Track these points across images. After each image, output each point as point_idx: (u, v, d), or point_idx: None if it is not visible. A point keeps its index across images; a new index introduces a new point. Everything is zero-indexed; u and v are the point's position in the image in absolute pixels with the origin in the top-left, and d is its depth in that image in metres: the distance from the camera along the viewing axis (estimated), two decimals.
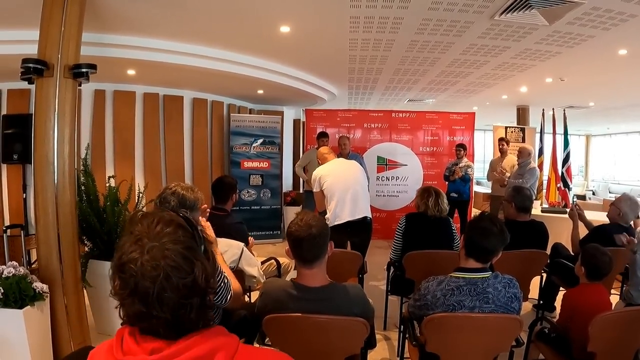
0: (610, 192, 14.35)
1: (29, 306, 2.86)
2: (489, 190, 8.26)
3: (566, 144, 8.35)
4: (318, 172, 4.25)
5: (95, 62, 3.15)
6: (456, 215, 7.26)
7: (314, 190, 4.31)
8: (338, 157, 4.69)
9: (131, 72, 5.65)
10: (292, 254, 2.01)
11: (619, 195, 4.12)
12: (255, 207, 7.61)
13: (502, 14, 4.12)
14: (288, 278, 2.53)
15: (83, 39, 3.31)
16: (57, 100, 3.07)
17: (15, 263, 2.98)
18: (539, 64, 6.01)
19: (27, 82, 3.09)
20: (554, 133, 8.49)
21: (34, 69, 2.94)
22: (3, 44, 4.31)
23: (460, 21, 4.40)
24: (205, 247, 1.01)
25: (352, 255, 3.56)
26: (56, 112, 3.07)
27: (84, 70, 3.09)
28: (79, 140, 6.01)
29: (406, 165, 7.98)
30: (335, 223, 4.00)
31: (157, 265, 0.91)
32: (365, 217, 4.14)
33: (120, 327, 1.00)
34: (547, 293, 4.16)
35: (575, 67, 6.23)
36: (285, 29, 4.61)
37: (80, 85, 3.26)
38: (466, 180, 7.15)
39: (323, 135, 6.46)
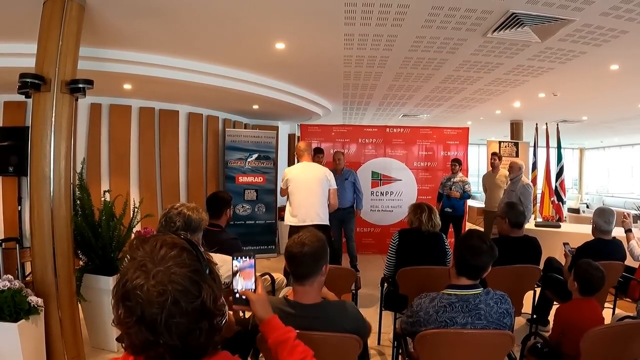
0: (603, 205, 14.44)
1: (23, 320, 2.87)
2: (482, 205, 8.29)
3: (559, 158, 8.43)
4: (287, 172, 4.74)
5: (91, 76, 3.18)
6: (450, 230, 7.31)
7: (281, 186, 4.79)
8: (332, 171, 5.02)
9: (127, 86, 5.68)
10: (289, 269, 2.04)
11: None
12: (250, 222, 7.60)
13: (494, 31, 4.20)
14: (282, 294, 2.55)
15: (80, 53, 3.35)
16: (53, 115, 3.10)
17: (10, 277, 2.99)
18: (531, 79, 6.10)
19: (24, 96, 3.12)
20: (548, 147, 8.58)
21: (31, 83, 2.98)
22: (1, 57, 4.33)
23: (454, 38, 4.48)
24: (210, 269, 0.99)
25: (346, 271, 3.56)
26: (53, 127, 3.11)
27: (80, 85, 3.13)
28: (75, 154, 6.02)
29: (400, 180, 8.00)
30: (288, 223, 4.58)
31: (164, 290, 0.88)
32: (314, 225, 4.31)
33: (124, 355, 0.98)
34: (541, 307, 4.16)
35: (568, 83, 6.32)
36: (280, 45, 4.66)
37: (77, 100, 3.29)
38: (465, 198, 7.18)
39: (318, 151, 6.49)
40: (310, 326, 1.92)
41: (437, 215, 3.80)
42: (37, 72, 3.06)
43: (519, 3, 3.60)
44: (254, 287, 1.46)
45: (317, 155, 6.40)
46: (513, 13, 3.80)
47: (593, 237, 3.93)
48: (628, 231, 4.09)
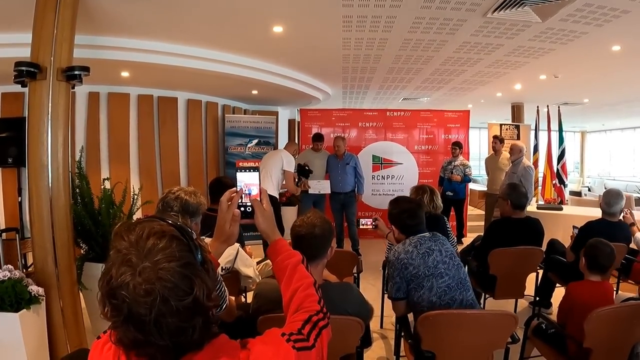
0: (605, 188, 14.39)
1: (25, 309, 2.86)
2: (484, 188, 8.28)
3: (561, 140, 8.37)
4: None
5: (89, 64, 3.14)
6: (452, 213, 7.32)
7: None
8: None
9: (125, 74, 5.64)
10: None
11: None
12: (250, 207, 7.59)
13: (495, 11, 4.13)
14: None
15: (76, 41, 3.30)
16: (50, 103, 3.05)
17: (10, 267, 2.98)
18: (532, 61, 6.03)
19: (20, 86, 3.07)
20: (549, 130, 8.52)
21: (27, 72, 2.92)
22: None
23: (453, 19, 4.41)
24: (203, 258, 0.91)
25: (348, 254, 3.57)
26: (49, 115, 3.05)
27: (77, 72, 3.08)
28: (74, 142, 6.00)
29: (401, 164, 7.98)
30: None
31: (152, 289, 0.81)
32: None
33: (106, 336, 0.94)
34: (544, 289, 4.16)
35: (569, 64, 6.25)
36: (278, 29, 4.60)
37: (73, 87, 3.25)
38: (466, 181, 7.18)
39: (318, 138, 6.56)
40: None
41: (439, 197, 3.80)
42: (33, 60, 3.00)
43: None
44: (259, 199, 1.38)
45: (315, 142, 6.48)
46: None
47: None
48: (631, 225, 4.04)
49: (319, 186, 6.40)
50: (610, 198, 3.79)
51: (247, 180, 1.40)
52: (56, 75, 3.06)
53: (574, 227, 4.04)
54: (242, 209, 1.38)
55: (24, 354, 2.84)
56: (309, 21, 4.49)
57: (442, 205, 3.80)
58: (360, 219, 3.74)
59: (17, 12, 3.63)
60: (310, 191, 6.33)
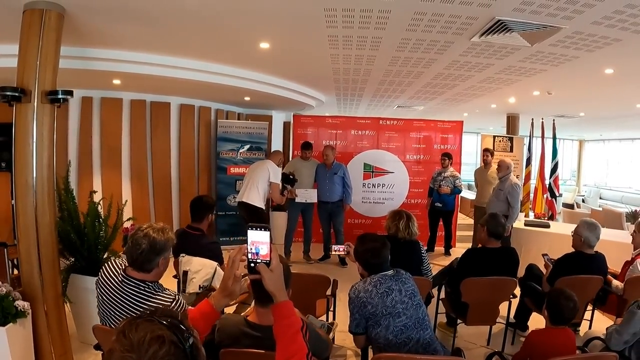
0: (601, 198, 14.40)
1: (11, 323, 2.98)
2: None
3: (555, 154, 8.39)
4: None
5: (80, 73, 3.19)
6: (440, 224, 7.38)
7: None
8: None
9: (116, 81, 5.68)
10: (252, 291, 2.08)
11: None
12: None
13: (481, 35, 4.14)
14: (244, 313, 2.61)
15: (66, 52, 3.42)
16: (35, 126, 3.16)
17: None
18: (524, 79, 6.03)
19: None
20: (543, 144, 8.51)
21: (12, 96, 3.01)
22: None
23: (440, 41, 4.41)
24: (193, 345, 0.99)
25: (319, 277, 3.64)
26: (35, 137, 3.16)
27: (60, 96, 3.16)
28: (66, 147, 6.07)
29: (393, 172, 8.02)
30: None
31: None
32: (242, 202, 5.86)
33: None
34: (521, 313, 4.23)
35: (562, 83, 6.24)
36: (264, 45, 4.62)
37: (59, 106, 3.31)
38: (456, 193, 7.23)
39: (306, 147, 6.60)
40: (268, 347, 1.98)
41: (415, 224, 3.81)
42: (18, 84, 3.09)
43: (505, 10, 3.52)
44: (268, 260, 1.42)
45: (305, 150, 6.55)
46: (499, 20, 3.73)
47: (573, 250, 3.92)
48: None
49: (306, 195, 6.47)
50: (599, 232, 3.82)
51: (256, 239, 1.42)
52: (40, 98, 3.15)
53: (543, 255, 4.10)
54: (252, 264, 1.42)
55: None
56: (294, 39, 4.51)
57: (417, 232, 3.83)
58: (333, 245, 3.81)
59: (7, 28, 3.65)
60: (297, 200, 6.39)
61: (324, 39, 4.40)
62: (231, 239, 7.50)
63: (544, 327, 2.76)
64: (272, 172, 5.88)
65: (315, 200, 6.54)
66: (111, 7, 3.47)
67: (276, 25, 4.08)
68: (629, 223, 7.55)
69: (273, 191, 5.91)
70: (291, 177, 6.25)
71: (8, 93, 2.99)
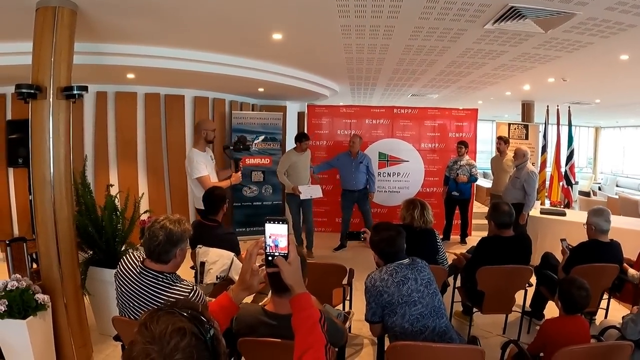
0: (617, 186, 14.17)
1: (32, 316, 3.05)
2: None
3: (570, 141, 8.28)
4: None
5: (94, 68, 3.22)
6: (457, 212, 7.35)
7: None
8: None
9: (131, 75, 5.74)
10: (268, 281, 2.11)
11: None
12: (257, 203, 7.73)
13: (494, 22, 4.09)
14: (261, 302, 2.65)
15: (80, 48, 3.41)
16: (51, 121, 3.18)
17: (18, 276, 3.16)
18: (539, 66, 5.95)
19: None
20: (558, 132, 8.41)
21: (28, 93, 3.05)
22: (9, 55, 4.44)
23: (453, 29, 4.38)
24: (214, 336, 1.00)
25: (335, 267, 3.67)
26: (51, 133, 3.19)
27: (75, 92, 3.19)
28: (82, 142, 6.15)
29: (408, 161, 8.01)
30: None
31: None
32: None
33: None
34: (536, 301, 4.22)
35: (577, 70, 6.15)
36: (277, 36, 4.62)
37: (74, 102, 3.35)
38: (472, 181, 7.18)
39: (302, 138, 6.39)
40: (286, 335, 2.01)
41: (430, 212, 3.82)
42: (33, 81, 3.12)
43: None
44: (286, 252, 1.41)
45: (300, 142, 6.32)
46: (512, 7, 3.69)
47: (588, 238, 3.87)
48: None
49: (310, 191, 6.32)
50: (607, 215, 3.78)
51: (274, 231, 1.41)
52: (56, 94, 3.18)
53: (561, 240, 4.06)
54: (270, 258, 1.42)
55: (32, 357, 3.05)
56: (307, 30, 4.50)
57: (432, 220, 3.82)
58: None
59: (21, 26, 3.70)
60: (302, 197, 6.18)
61: (336, 29, 4.39)
62: (247, 229, 7.53)
63: (558, 315, 2.75)
64: (189, 166, 4.71)
65: (321, 195, 6.49)
66: (123, 3, 3.50)
67: (289, 17, 4.07)
68: None
69: (204, 186, 4.47)
70: (238, 145, 5.50)
71: (24, 90, 3.03)
